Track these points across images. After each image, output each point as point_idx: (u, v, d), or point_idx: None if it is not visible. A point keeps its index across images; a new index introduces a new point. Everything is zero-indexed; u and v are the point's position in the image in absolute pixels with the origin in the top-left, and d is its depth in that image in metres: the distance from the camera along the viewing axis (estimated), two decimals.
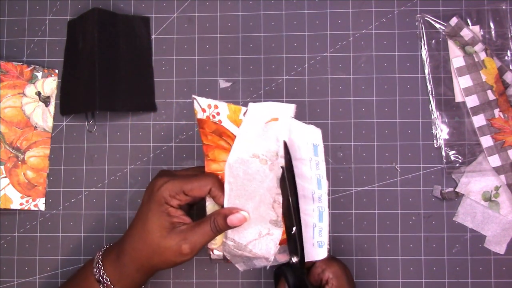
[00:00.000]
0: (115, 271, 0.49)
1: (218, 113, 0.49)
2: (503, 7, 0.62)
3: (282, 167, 0.48)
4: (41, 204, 0.63)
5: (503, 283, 0.60)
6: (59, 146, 0.64)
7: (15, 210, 0.63)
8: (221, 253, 0.51)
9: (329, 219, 0.50)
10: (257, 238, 0.49)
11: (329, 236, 0.51)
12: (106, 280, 0.49)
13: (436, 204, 0.61)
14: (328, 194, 0.49)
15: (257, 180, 0.49)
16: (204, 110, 0.49)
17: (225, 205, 0.48)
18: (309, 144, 0.47)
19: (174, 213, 0.48)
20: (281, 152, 0.48)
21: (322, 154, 0.47)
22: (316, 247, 0.50)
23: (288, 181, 0.47)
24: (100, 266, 0.50)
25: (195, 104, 0.49)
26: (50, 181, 0.64)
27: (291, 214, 0.47)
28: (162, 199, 0.47)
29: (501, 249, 0.60)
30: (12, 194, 0.62)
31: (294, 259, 0.48)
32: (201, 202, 0.51)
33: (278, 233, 0.49)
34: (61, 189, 0.63)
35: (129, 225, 0.50)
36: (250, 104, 0.48)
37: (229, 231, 0.49)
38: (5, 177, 0.63)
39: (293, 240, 0.48)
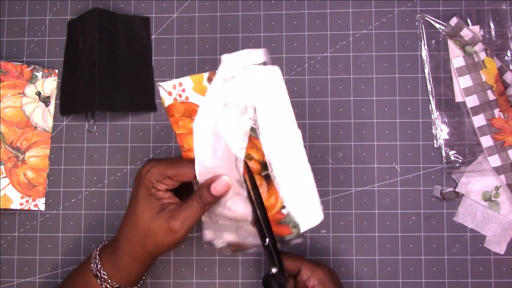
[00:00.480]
0: (111, 265, 0.50)
1: (183, 90, 0.49)
2: (503, 7, 0.62)
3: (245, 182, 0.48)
4: (41, 204, 0.63)
5: (503, 283, 0.60)
6: (59, 146, 0.64)
7: (15, 210, 0.63)
8: (225, 242, 0.51)
9: (314, 177, 0.49)
10: (233, 196, 0.48)
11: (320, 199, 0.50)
12: (103, 274, 0.49)
13: (436, 204, 0.61)
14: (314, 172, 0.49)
15: (222, 137, 0.48)
16: (170, 93, 0.49)
17: (196, 169, 0.47)
18: (271, 91, 0.47)
19: (163, 195, 0.48)
20: (251, 103, 0.48)
21: (287, 98, 0.48)
22: (311, 212, 0.50)
23: (254, 196, 0.47)
24: (97, 261, 0.50)
25: (161, 92, 0.49)
26: (50, 181, 0.64)
27: (261, 226, 0.48)
28: (149, 184, 0.47)
29: (501, 249, 0.60)
30: (12, 194, 0.62)
31: (274, 270, 0.48)
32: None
33: (244, 193, 0.49)
34: (61, 189, 0.63)
35: (122, 220, 0.51)
36: (223, 56, 0.48)
37: None
38: (5, 177, 0.63)
39: (269, 251, 0.48)
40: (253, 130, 0.48)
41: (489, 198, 0.61)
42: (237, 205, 0.49)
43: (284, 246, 0.54)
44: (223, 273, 0.62)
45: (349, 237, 0.61)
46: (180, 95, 0.49)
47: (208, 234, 0.51)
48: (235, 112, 0.48)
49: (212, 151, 0.48)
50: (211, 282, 0.62)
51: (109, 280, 0.49)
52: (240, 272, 0.61)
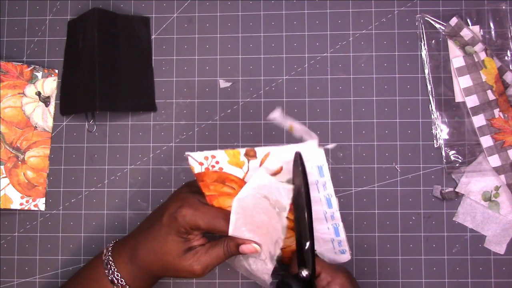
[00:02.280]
0: (130, 274, 0.50)
1: (217, 162, 0.48)
2: (503, 7, 0.62)
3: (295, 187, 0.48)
4: (41, 204, 0.63)
5: (503, 283, 0.60)
6: (59, 146, 0.64)
7: (15, 210, 0.63)
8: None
9: (345, 230, 0.50)
10: (258, 258, 0.50)
11: (348, 242, 0.52)
12: (121, 281, 0.50)
13: (436, 204, 0.61)
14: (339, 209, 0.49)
15: (266, 215, 0.48)
16: (201, 164, 0.48)
17: (230, 232, 0.48)
18: (313, 167, 0.47)
19: (193, 238, 0.49)
20: (288, 208, 0.48)
21: (327, 173, 0.47)
22: (339, 254, 0.53)
23: (304, 193, 0.46)
24: (113, 268, 0.50)
25: (190, 161, 0.48)
26: (50, 181, 0.64)
27: (303, 226, 0.46)
28: (184, 229, 0.48)
29: (501, 249, 0.60)
30: (12, 194, 0.62)
31: (304, 273, 0.47)
32: None
33: (271, 266, 0.50)
34: (61, 189, 0.63)
35: (141, 232, 0.51)
36: (272, 149, 0.47)
37: None
38: (5, 177, 0.63)
39: (304, 254, 0.47)
40: None
41: (489, 198, 0.61)
42: (257, 268, 0.51)
43: None
44: (223, 273, 0.62)
45: (349, 237, 0.61)
46: (213, 166, 0.48)
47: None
48: (277, 206, 0.48)
49: (250, 221, 0.48)
50: (211, 282, 0.62)
51: (127, 287, 0.50)
52: (240, 272, 0.61)
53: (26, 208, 0.63)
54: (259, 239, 0.48)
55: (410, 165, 0.61)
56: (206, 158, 0.48)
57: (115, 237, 0.62)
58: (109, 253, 0.52)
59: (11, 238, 0.63)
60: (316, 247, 0.51)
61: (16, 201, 0.62)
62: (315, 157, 0.46)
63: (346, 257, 0.53)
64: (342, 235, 0.50)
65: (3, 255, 0.63)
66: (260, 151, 0.47)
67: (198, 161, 0.48)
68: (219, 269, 0.62)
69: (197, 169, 0.48)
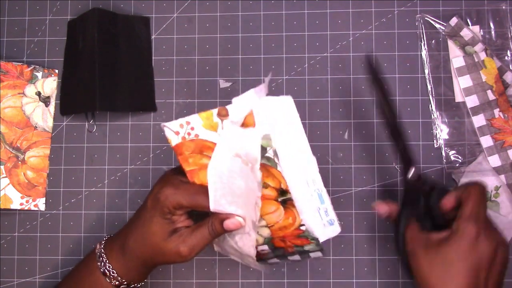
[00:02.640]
0: (121, 264, 0.51)
1: (192, 128, 0.48)
2: (503, 7, 0.62)
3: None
4: (41, 204, 0.63)
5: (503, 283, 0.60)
6: (59, 146, 0.64)
7: (15, 210, 0.63)
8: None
9: (330, 198, 0.50)
10: (242, 233, 0.50)
11: (336, 213, 0.51)
12: (113, 272, 0.50)
13: None
14: (323, 178, 0.49)
15: (242, 179, 0.48)
16: (177, 133, 0.48)
17: (211, 206, 0.47)
18: (285, 119, 0.47)
19: (177, 219, 0.49)
20: (259, 158, 0.48)
21: (300, 125, 0.47)
22: (328, 225, 0.51)
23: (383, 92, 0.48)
24: (105, 260, 0.51)
25: (167, 132, 0.48)
26: (50, 181, 0.64)
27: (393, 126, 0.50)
28: (167, 209, 0.48)
29: None
30: (12, 194, 0.62)
31: (411, 172, 0.48)
32: None
33: (254, 237, 0.50)
34: (61, 189, 0.63)
35: (131, 223, 0.52)
36: (233, 99, 0.47)
37: None
38: (5, 177, 0.63)
39: (403, 154, 0.50)
40: (269, 159, 0.48)
41: (489, 198, 0.61)
42: (243, 243, 0.50)
43: (305, 258, 0.54)
44: (223, 273, 0.62)
45: (349, 237, 0.61)
46: (189, 133, 0.48)
47: (216, 248, 0.54)
48: (249, 160, 0.48)
49: (229, 191, 0.48)
50: (211, 282, 0.62)
51: (119, 278, 0.51)
52: (240, 272, 0.61)
53: (26, 208, 0.63)
54: (242, 211, 0.47)
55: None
56: (181, 125, 0.47)
57: None
58: (102, 246, 0.52)
59: (11, 238, 0.63)
60: (303, 219, 0.50)
61: (16, 201, 0.62)
62: (286, 108, 0.47)
63: (335, 228, 0.51)
64: (327, 201, 0.49)
65: (3, 255, 0.63)
66: (232, 108, 0.47)
67: (174, 130, 0.48)
68: (219, 269, 0.62)
69: (174, 140, 0.48)
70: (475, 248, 0.47)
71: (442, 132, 0.61)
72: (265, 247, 0.52)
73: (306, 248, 0.52)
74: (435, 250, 0.48)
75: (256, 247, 0.51)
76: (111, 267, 0.51)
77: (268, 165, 0.48)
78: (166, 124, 0.47)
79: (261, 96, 0.47)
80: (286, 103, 0.47)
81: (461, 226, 0.47)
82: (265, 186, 0.49)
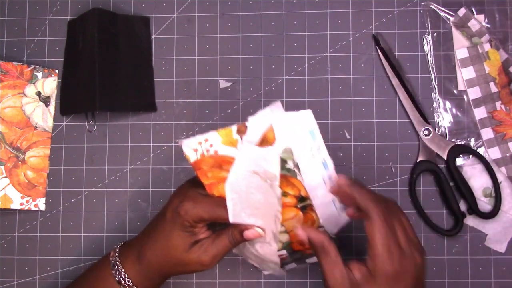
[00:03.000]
0: (137, 273, 0.51)
1: (211, 145, 0.47)
2: None
3: None
4: (41, 204, 0.63)
5: (503, 283, 0.60)
6: (59, 146, 0.64)
7: (15, 210, 0.63)
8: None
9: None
10: (263, 242, 0.50)
11: None
12: (128, 281, 0.50)
13: (436, 203, 0.61)
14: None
15: (261, 193, 0.48)
16: (196, 150, 0.48)
17: (230, 219, 0.47)
18: (304, 132, 0.47)
19: (198, 231, 0.49)
20: (278, 175, 0.48)
21: (319, 136, 0.47)
22: (340, 212, 0.50)
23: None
24: (120, 268, 0.51)
25: (185, 149, 0.48)
26: (50, 181, 0.64)
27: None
28: (188, 223, 0.48)
29: (501, 247, 0.60)
30: (12, 194, 0.62)
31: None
32: None
33: (275, 246, 0.50)
34: (61, 189, 0.63)
35: (148, 233, 0.51)
36: (249, 118, 0.47)
37: None
38: (5, 177, 0.63)
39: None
40: (289, 170, 0.48)
41: (490, 194, 0.61)
42: (264, 251, 0.51)
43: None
44: (223, 273, 0.62)
45: (349, 237, 0.61)
46: (207, 150, 0.47)
47: (235, 250, 0.53)
48: (268, 177, 0.48)
49: (248, 205, 0.48)
50: (211, 282, 0.62)
51: (134, 287, 0.50)
52: (240, 272, 0.61)
53: (26, 208, 0.63)
54: (262, 222, 0.48)
55: (410, 165, 0.61)
56: (200, 143, 0.47)
57: (115, 237, 0.62)
58: (116, 254, 0.52)
59: (11, 238, 0.63)
60: (319, 215, 0.50)
61: (16, 201, 0.62)
62: (304, 120, 0.47)
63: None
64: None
65: (3, 255, 0.63)
66: (250, 124, 0.47)
67: (193, 147, 0.48)
68: (219, 269, 0.62)
69: (192, 157, 0.48)
70: (398, 282, 0.44)
71: (443, 120, 0.61)
72: (284, 251, 0.52)
73: None
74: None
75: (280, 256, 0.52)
76: (126, 276, 0.50)
77: (288, 175, 0.49)
78: (184, 141, 0.47)
79: (276, 113, 0.48)
80: (306, 117, 0.48)
81: (376, 269, 0.44)
82: (285, 194, 0.50)
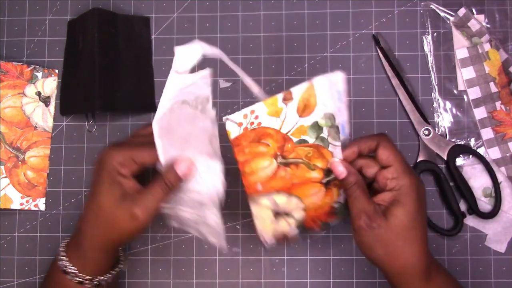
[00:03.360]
0: (79, 260, 0.49)
1: (256, 117, 0.46)
2: None
3: None
4: (41, 204, 0.63)
5: (503, 283, 0.60)
6: (59, 146, 0.64)
7: (15, 210, 0.63)
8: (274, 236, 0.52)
9: None
10: (198, 178, 0.48)
11: None
12: (74, 269, 0.48)
13: (436, 203, 0.61)
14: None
15: (189, 123, 0.47)
16: (240, 124, 0.46)
17: (162, 162, 0.46)
18: (333, 93, 0.46)
19: (125, 181, 0.47)
20: (211, 96, 0.48)
21: (345, 98, 0.47)
22: None
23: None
24: (64, 258, 0.49)
25: (228, 125, 0.46)
26: (50, 181, 0.64)
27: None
28: (112, 168, 0.46)
29: (501, 247, 0.60)
30: (12, 194, 0.62)
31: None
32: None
33: (217, 165, 0.48)
34: (61, 189, 0.63)
35: (83, 211, 0.50)
36: (175, 48, 0.46)
37: None
38: (5, 177, 0.63)
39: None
40: (323, 140, 0.48)
41: (490, 194, 0.61)
42: (204, 185, 0.48)
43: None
44: (223, 273, 0.62)
45: (349, 237, 0.61)
46: (252, 123, 0.46)
47: (174, 224, 0.51)
48: (199, 102, 0.47)
49: (177, 138, 0.47)
50: (211, 282, 0.62)
51: (80, 274, 0.48)
52: (240, 272, 0.61)
53: (26, 208, 0.63)
54: (193, 152, 0.46)
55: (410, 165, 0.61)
56: (245, 116, 0.46)
57: None
58: (63, 247, 0.50)
59: (11, 238, 0.63)
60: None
61: (16, 201, 0.62)
62: (336, 83, 0.46)
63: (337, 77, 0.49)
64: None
65: (3, 255, 0.63)
66: (296, 90, 0.46)
67: (237, 121, 0.46)
68: (219, 269, 0.62)
69: (234, 132, 0.46)
70: (420, 205, 0.46)
71: (443, 120, 0.61)
72: (296, 231, 0.51)
73: (332, 224, 0.53)
74: (386, 224, 0.46)
75: (286, 235, 0.51)
76: (71, 264, 0.48)
77: (321, 146, 0.48)
78: (229, 116, 0.46)
79: (316, 78, 0.46)
80: (337, 78, 0.46)
81: (402, 197, 0.46)
82: (312, 168, 0.49)
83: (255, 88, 0.48)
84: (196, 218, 0.50)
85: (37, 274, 0.63)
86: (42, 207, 0.63)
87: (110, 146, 0.48)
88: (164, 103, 0.46)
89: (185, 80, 0.46)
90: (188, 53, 0.46)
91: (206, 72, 0.48)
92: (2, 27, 0.66)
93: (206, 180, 0.48)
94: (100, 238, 0.48)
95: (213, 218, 0.49)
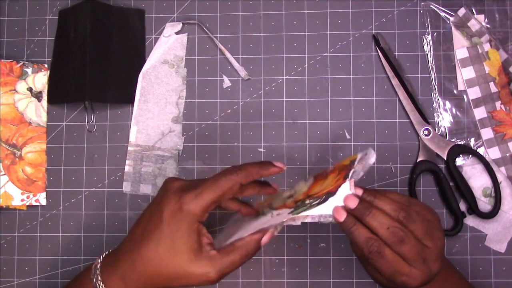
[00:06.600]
0: (116, 286, 0.45)
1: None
2: None
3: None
4: (42, 198, 0.63)
5: (503, 283, 0.60)
6: (59, 146, 0.64)
7: (17, 207, 0.63)
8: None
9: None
10: (161, 137, 0.59)
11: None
12: None
13: (436, 203, 0.61)
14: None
15: (165, 82, 0.61)
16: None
17: (134, 110, 0.60)
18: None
19: (202, 230, 0.44)
20: (184, 56, 0.61)
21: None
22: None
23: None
24: (99, 280, 0.45)
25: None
26: (50, 181, 0.64)
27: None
28: (195, 217, 0.43)
29: (501, 247, 0.60)
30: (12, 190, 0.62)
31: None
32: None
33: (179, 128, 0.60)
34: (61, 189, 0.63)
35: (139, 243, 0.45)
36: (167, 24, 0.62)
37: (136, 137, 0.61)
38: (4, 174, 0.62)
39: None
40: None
41: (490, 194, 0.61)
42: (166, 144, 0.59)
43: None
44: None
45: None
46: None
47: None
48: (175, 61, 0.60)
49: (151, 96, 0.61)
50: None
51: None
52: (240, 272, 0.61)
53: (27, 203, 0.63)
54: (156, 111, 0.58)
55: (410, 165, 0.61)
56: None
57: (115, 237, 0.62)
58: (98, 270, 0.46)
59: (11, 238, 0.63)
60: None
61: (17, 197, 0.62)
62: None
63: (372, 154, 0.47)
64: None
65: (3, 255, 0.63)
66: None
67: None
68: None
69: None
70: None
71: (443, 120, 0.61)
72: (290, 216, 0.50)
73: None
74: None
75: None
76: (104, 285, 0.45)
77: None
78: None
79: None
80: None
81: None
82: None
83: (235, 63, 0.59)
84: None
85: (37, 274, 0.63)
86: (43, 201, 0.63)
87: (183, 189, 0.44)
88: (151, 61, 0.62)
89: (168, 41, 0.62)
90: (173, 25, 0.62)
91: (183, 36, 0.62)
92: (2, 27, 0.66)
93: (167, 140, 0.60)
94: (159, 284, 0.44)
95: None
